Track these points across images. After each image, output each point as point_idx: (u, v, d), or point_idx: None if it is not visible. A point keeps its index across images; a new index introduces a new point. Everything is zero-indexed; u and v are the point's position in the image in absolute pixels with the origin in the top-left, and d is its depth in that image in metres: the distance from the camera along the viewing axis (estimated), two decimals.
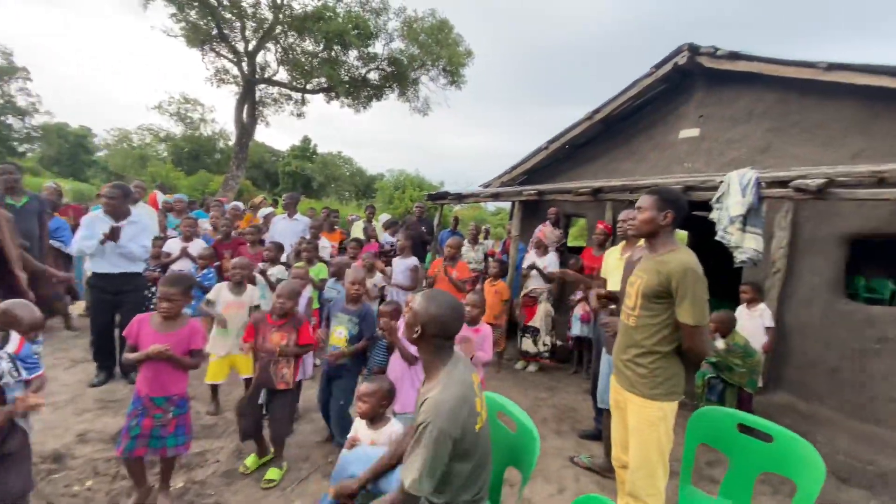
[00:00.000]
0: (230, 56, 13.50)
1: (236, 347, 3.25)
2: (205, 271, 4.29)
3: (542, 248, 4.69)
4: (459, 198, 6.50)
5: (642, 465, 1.92)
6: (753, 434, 1.94)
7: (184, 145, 28.80)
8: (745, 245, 3.12)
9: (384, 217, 8.41)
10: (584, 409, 3.92)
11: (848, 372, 3.67)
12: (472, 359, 2.77)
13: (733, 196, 3.17)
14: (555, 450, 3.18)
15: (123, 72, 75.60)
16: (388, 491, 1.77)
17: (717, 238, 3.47)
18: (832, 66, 3.74)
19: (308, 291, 3.73)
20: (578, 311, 4.44)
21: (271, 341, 2.59)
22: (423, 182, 24.14)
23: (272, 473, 2.57)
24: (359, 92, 14.68)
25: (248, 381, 3.44)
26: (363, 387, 2.20)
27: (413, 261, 4.70)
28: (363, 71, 14.39)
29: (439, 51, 13.79)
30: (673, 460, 2.04)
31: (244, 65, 13.48)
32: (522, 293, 4.75)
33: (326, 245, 5.48)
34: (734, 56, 4.39)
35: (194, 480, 2.54)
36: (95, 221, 3.64)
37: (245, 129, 13.95)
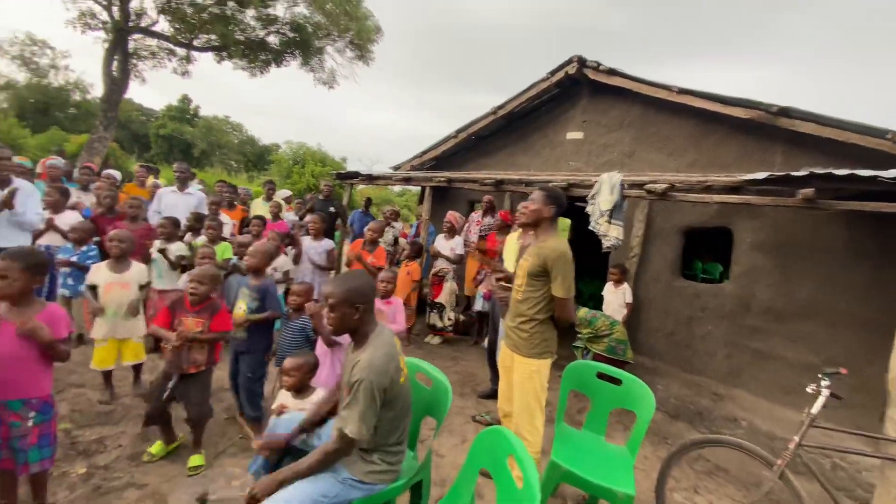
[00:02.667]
0: None
1: (121, 330, 3.08)
2: (83, 248, 3.83)
3: (451, 232, 5.08)
4: (370, 178, 6.58)
5: (523, 409, 2.41)
6: (608, 380, 2.54)
7: (29, 95, 23.51)
8: (611, 234, 3.84)
9: (283, 192, 8.09)
10: (483, 374, 4.47)
11: (680, 335, 4.72)
12: None
13: (604, 194, 3.86)
14: (457, 409, 3.64)
15: None
16: (311, 445, 1.98)
17: (590, 227, 4.17)
18: (682, 91, 4.64)
19: None
20: (482, 289, 4.95)
21: (186, 326, 2.50)
22: (326, 157, 23.16)
23: (196, 460, 2.50)
24: (255, 55, 13.54)
25: (135, 367, 3.29)
26: (288, 361, 2.34)
27: (329, 243, 4.73)
28: (261, 33, 13.28)
29: (347, 22, 13.30)
30: (553, 409, 2.57)
31: (115, 9, 11.53)
32: (431, 273, 5.12)
33: (227, 223, 5.21)
34: (612, 72, 5.15)
35: (97, 465, 2.44)
36: None
37: (115, 85, 12.00)
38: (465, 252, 5.24)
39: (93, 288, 3.05)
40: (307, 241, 4.66)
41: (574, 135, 5.84)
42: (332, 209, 6.28)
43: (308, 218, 4.85)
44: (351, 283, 1.73)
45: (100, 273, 3.08)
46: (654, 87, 4.84)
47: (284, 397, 2.33)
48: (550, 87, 5.87)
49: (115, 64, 11.99)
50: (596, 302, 4.85)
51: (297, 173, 18.51)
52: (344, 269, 6.50)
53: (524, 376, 2.41)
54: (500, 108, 6.23)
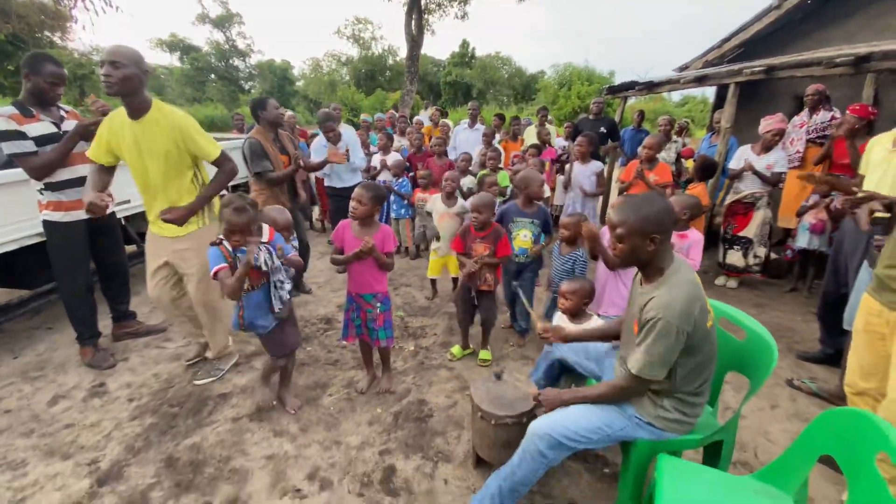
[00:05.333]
0: None
1: (446, 249, 3.72)
2: (400, 180, 4.89)
3: (769, 146, 3.85)
4: (650, 87, 5.60)
5: None
6: None
7: (360, 66, 31.36)
8: None
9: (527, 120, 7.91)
10: (804, 330, 3.45)
11: None
12: None
13: None
14: None
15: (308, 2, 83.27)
16: (590, 371, 1.96)
17: None
18: None
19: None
20: (808, 218, 3.67)
21: (475, 251, 2.79)
22: (593, 74, 21.51)
23: (484, 354, 2.97)
24: None
25: (455, 279, 3.98)
26: (565, 285, 2.34)
27: (596, 165, 4.42)
28: None
29: None
30: None
31: None
32: (731, 198, 4.10)
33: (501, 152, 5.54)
34: None
35: (421, 346, 3.21)
36: (321, 149, 4.44)
37: (415, 42, 14.31)
38: (787, 169, 3.93)
39: (429, 213, 3.85)
40: (575, 166, 4.47)
41: None
42: (602, 129, 5.77)
43: (576, 140, 4.61)
44: (646, 209, 1.43)
45: (436, 205, 3.81)
46: None
47: (561, 320, 2.38)
48: None
49: (412, 24, 14.15)
50: None
51: (562, 97, 18.05)
52: (613, 195, 6.04)
53: None
54: None
